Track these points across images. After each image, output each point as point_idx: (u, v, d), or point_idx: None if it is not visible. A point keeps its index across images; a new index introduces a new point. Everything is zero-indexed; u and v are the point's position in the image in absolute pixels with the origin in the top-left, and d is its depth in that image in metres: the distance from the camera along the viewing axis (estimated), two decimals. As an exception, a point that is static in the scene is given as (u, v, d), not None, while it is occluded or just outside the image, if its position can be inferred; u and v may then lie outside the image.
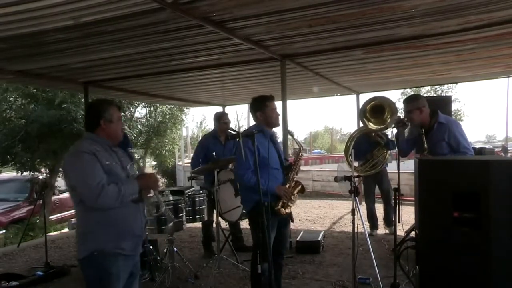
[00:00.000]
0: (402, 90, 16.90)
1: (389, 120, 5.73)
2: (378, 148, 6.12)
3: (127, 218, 2.49)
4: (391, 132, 5.76)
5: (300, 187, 3.74)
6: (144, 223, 2.66)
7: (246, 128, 3.86)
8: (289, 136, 5.46)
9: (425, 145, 4.00)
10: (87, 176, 2.34)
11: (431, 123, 4.04)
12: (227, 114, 5.80)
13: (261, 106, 3.60)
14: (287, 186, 3.61)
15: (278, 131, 4.07)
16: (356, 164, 6.34)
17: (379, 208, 6.64)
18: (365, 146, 6.21)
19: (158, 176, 18.60)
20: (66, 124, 10.27)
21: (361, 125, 6.27)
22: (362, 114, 5.93)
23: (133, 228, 2.54)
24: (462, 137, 3.94)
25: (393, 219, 4.28)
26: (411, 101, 4.12)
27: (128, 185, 2.47)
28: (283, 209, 3.55)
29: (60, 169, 11.36)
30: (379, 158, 6.09)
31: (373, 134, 6.09)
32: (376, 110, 6.00)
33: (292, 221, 4.03)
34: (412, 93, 12.89)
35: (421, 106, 4.02)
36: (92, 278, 2.47)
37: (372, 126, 5.87)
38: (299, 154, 3.81)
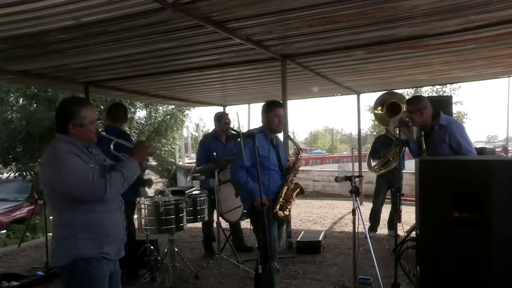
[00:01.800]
0: (405, 90, 16.89)
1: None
2: (392, 146, 6.13)
3: (109, 221, 2.40)
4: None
5: (299, 189, 3.76)
6: (125, 226, 2.56)
7: (248, 129, 3.90)
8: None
9: (423, 147, 4.00)
10: (81, 175, 2.22)
11: (433, 125, 4.04)
12: (227, 114, 5.83)
13: (266, 110, 3.69)
14: (285, 188, 3.63)
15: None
16: (373, 164, 6.39)
17: (384, 210, 6.62)
18: (380, 146, 6.28)
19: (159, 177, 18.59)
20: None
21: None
22: (379, 103, 6.10)
23: (115, 231, 2.46)
24: (463, 139, 3.92)
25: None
26: (412, 103, 4.12)
27: (127, 165, 2.39)
28: (281, 212, 3.58)
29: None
30: (391, 156, 6.07)
31: (390, 132, 6.18)
32: (393, 109, 6.32)
33: (288, 222, 4.06)
34: (414, 93, 12.90)
35: (422, 108, 4.00)
36: (74, 285, 2.34)
37: (380, 113, 6.04)
38: (298, 156, 3.85)
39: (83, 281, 2.32)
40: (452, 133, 3.90)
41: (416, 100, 4.17)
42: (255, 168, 3.17)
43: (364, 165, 7.12)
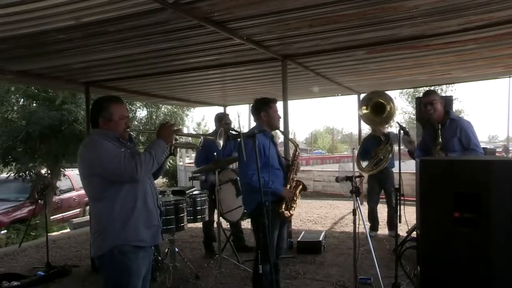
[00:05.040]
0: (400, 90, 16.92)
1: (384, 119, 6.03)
2: (381, 145, 6.15)
3: (142, 208, 2.49)
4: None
5: (301, 186, 3.75)
6: (159, 213, 2.65)
7: (248, 129, 3.87)
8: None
9: (439, 140, 4.02)
10: (113, 155, 2.36)
11: (444, 120, 4.10)
12: (228, 114, 5.84)
13: (265, 107, 3.63)
14: (287, 187, 3.62)
15: (277, 132, 4.07)
16: (364, 164, 6.40)
17: (381, 209, 6.62)
18: (369, 145, 6.31)
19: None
20: (66, 125, 10.28)
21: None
22: (365, 102, 6.29)
23: (149, 217, 2.53)
24: (473, 135, 4.03)
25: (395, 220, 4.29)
26: (432, 93, 4.24)
27: (155, 145, 2.48)
28: (287, 212, 3.54)
29: (61, 169, 11.33)
30: (382, 154, 6.09)
31: (377, 131, 6.20)
32: (378, 108, 6.47)
33: (289, 222, 4.04)
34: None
35: (439, 98, 4.15)
36: (111, 275, 2.45)
37: (364, 111, 6.14)
38: (295, 153, 3.81)
39: (119, 272, 2.42)
40: (462, 127, 4.00)
41: (433, 91, 4.41)
42: (262, 169, 3.17)
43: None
